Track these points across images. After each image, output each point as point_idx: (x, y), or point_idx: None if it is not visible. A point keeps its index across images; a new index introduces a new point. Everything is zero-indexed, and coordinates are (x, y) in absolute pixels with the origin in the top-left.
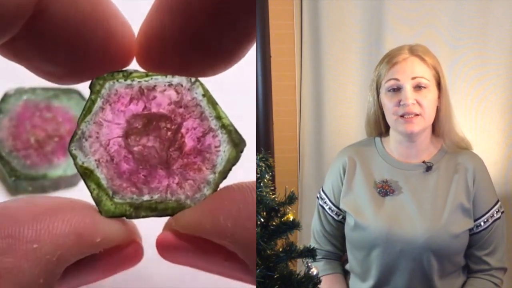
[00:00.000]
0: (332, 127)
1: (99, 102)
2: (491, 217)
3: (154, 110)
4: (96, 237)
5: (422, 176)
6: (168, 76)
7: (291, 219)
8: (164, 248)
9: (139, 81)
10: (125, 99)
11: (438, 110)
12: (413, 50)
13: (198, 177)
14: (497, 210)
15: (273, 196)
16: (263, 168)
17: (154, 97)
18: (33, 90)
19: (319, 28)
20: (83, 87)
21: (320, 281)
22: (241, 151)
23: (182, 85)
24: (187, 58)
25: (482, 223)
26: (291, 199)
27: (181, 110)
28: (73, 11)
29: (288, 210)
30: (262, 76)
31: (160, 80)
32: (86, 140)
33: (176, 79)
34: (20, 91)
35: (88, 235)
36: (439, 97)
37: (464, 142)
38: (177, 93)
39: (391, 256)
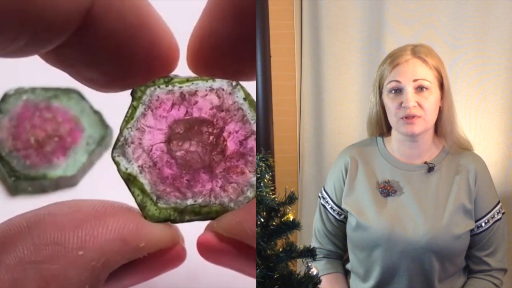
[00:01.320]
0: (332, 127)
1: (141, 109)
2: (492, 218)
3: (195, 115)
4: (141, 242)
5: (424, 176)
6: (209, 80)
7: (291, 219)
8: (205, 249)
9: (180, 87)
10: (166, 105)
11: (440, 111)
12: (416, 52)
13: (241, 180)
14: (498, 211)
15: (273, 196)
16: (263, 168)
17: (196, 102)
18: (33, 90)
19: (319, 28)
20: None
21: (320, 281)
22: None
23: (223, 89)
24: (236, 62)
25: (483, 224)
26: (291, 199)
27: (222, 114)
28: (120, 23)
29: (288, 210)
30: (262, 76)
31: (201, 85)
32: (129, 146)
33: (217, 84)
34: (20, 91)
35: (133, 240)
36: (442, 98)
37: (466, 143)
38: (219, 97)
39: (392, 256)
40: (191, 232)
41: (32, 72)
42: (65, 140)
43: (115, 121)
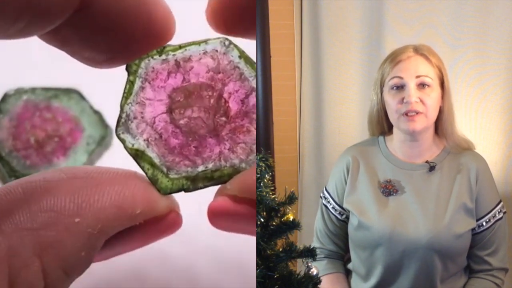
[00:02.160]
0: (332, 127)
1: (138, 82)
2: (493, 217)
3: (193, 80)
4: (136, 209)
5: (425, 176)
6: (201, 44)
7: (291, 219)
8: (218, 215)
9: (173, 55)
10: (163, 75)
11: (440, 111)
12: (418, 49)
13: (248, 139)
14: (499, 211)
15: (273, 196)
16: (263, 168)
17: (191, 68)
18: (33, 90)
19: (319, 28)
20: (84, 87)
21: (320, 281)
22: None
23: (217, 51)
24: (245, 20)
25: (484, 223)
26: (291, 199)
27: (220, 75)
28: (118, 2)
29: (288, 210)
30: (262, 76)
31: (194, 49)
32: (132, 122)
33: (210, 46)
34: (20, 91)
35: (128, 207)
36: (442, 97)
37: (466, 142)
38: (213, 59)
39: (394, 256)
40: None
41: (32, 72)
42: (65, 140)
43: (115, 121)
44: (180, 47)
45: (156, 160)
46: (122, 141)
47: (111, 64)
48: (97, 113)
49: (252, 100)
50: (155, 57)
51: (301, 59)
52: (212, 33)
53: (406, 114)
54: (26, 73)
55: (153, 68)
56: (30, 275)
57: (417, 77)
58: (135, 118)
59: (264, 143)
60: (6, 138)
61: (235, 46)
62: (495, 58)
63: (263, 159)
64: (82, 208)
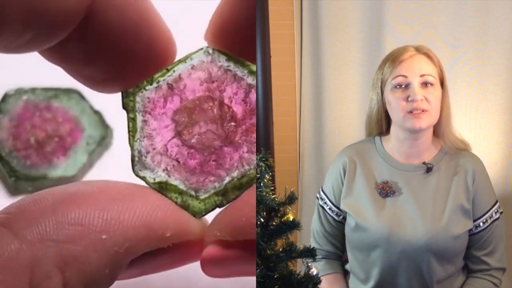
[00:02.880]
0: (332, 127)
1: (139, 117)
2: (490, 217)
3: (190, 97)
4: (167, 232)
5: (423, 177)
6: (187, 60)
7: (291, 219)
8: (212, 265)
9: (163, 79)
10: (160, 102)
11: (440, 110)
12: (419, 49)
13: None
14: (496, 211)
15: (273, 196)
16: (263, 168)
17: (185, 86)
18: (33, 90)
19: (319, 28)
20: (84, 87)
21: (320, 281)
22: None
23: (203, 61)
24: (247, 40)
25: (481, 224)
26: (291, 199)
27: (214, 84)
28: (120, 19)
29: (288, 210)
30: (262, 76)
31: (181, 67)
32: (146, 157)
33: (196, 59)
34: (20, 91)
35: (159, 229)
36: (442, 96)
37: (463, 143)
38: (203, 70)
39: (391, 257)
40: None
41: (32, 72)
42: (65, 140)
43: (115, 121)
44: (167, 70)
45: (182, 186)
46: (143, 178)
47: (110, 85)
48: (97, 113)
49: (253, 96)
50: (147, 87)
51: (301, 59)
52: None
53: (411, 112)
54: (26, 73)
55: (149, 98)
56: (51, 287)
57: (421, 76)
58: (147, 152)
59: (264, 143)
60: (6, 138)
61: (218, 50)
62: (495, 58)
63: (263, 159)
64: (111, 225)
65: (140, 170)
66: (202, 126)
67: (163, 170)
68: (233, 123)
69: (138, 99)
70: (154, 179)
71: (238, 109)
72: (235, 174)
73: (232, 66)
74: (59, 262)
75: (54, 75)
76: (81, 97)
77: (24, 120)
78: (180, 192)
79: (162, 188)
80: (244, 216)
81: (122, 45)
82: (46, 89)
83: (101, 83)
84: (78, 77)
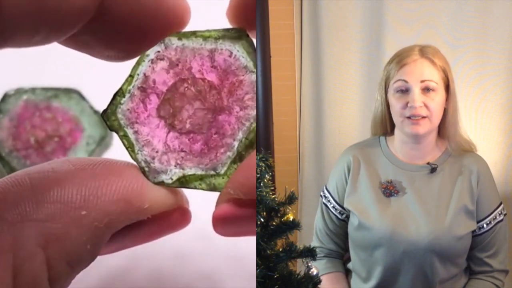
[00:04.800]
0: (332, 127)
1: (129, 131)
2: (494, 219)
3: (165, 89)
4: (144, 204)
5: (427, 177)
6: (144, 58)
7: (291, 219)
8: (225, 223)
9: (132, 86)
10: (140, 108)
11: (445, 113)
12: (424, 52)
13: (246, 88)
14: (500, 213)
15: (273, 196)
16: (263, 168)
17: (154, 81)
18: (33, 90)
19: (319, 28)
20: (84, 87)
21: (320, 281)
22: None
23: (159, 51)
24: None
25: (484, 225)
26: (291, 199)
27: (179, 66)
28: (136, 4)
29: (288, 210)
30: (262, 76)
31: (142, 67)
32: (153, 163)
33: (152, 54)
34: (20, 91)
35: (136, 201)
36: (447, 99)
37: (468, 144)
38: (162, 59)
39: (394, 257)
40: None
41: (32, 72)
42: (65, 140)
43: None
44: (131, 76)
45: (199, 172)
46: (161, 184)
47: (131, 57)
48: (97, 113)
49: (220, 58)
50: (122, 101)
51: (301, 59)
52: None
53: (410, 118)
54: (26, 73)
55: (128, 109)
56: (34, 266)
57: (422, 81)
58: (153, 158)
59: (264, 143)
60: (6, 138)
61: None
62: (495, 58)
63: (263, 159)
64: (89, 201)
65: (155, 178)
66: (188, 109)
67: (175, 166)
68: (214, 91)
69: (119, 115)
70: (172, 179)
71: (211, 77)
72: (240, 135)
73: (186, 42)
74: (41, 241)
75: (54, 75)
76: (81, 97)
77: (24, 120)
78: (201, 178)
79: (183, 182)
80: (250, 174)
81: (139, 27)
82: (46, 89)
83: (123, 58)
84: (101, 57)
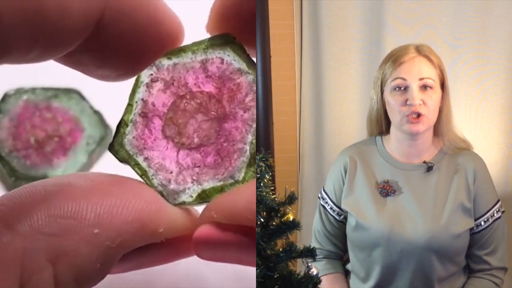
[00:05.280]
0: (332, 127)
1: (139, 159)
2: (492, 216)
3: (165, 109)
4: (159, 227)
5: (423, 176)
6: (139, 84)
7: (291, 219)
8: (204, 246)
9: (134, 114)
10: (145, 133)
11: (440, 111)
12: (420, 50)
13: (243, 88)
14: (497, 210)
15: (273, 196)
16: (263, 168)
17: (153, 104)
18: (33, 90)
19: (319, 28)
20: (84, 87)
21: (320, 281)
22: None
23: (151, 73)
24: (247, 23)
25: (482, 223)
26: (291, 199)
27: (175, 84)
28: (131, 25)
29: (288, 210)
30: (262, 76)
31: (139, 94)
32: (170, 184)
33: (144, 78)
34: (20, 91)
35: (152, 224)
36: (442, 97)
37: (464, 142)
38: (156, 81)
39: (392, 256)
40: None
41: (32, 72)
42: (65, 140)
43: (115, 121)
44: (130, 105)
45: (217, 183)
46: (183, 203)
47: (125, 77)
48: (97, 113)
49: (212, 67)
50: (126, 131)
51: (301, 59)
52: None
53: (409, 116)
54: (26, 73)
55: (134, 137)
56: (42, 280)
57: (420, 79)
58: (168, 180)
59: (264, 143)
60: (6, 138)
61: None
62: (495, 58)
63: (263, 159)
64: (103, 220)
65: (175, 199)
66: (193, 123)
67: (192, 183)
68: (214, 100)
69: (127, 146)
70: (192, 196)
71: (209, 87)
72: (249, 137)
73: (176, 60)
74: (50, 255)
75: (54, 75)
76: (81, 97)
77: (24, 120)
78: (221, 189)
79: (203, 198)
80: (243, 200)
81: (134, 47)
82: (46, 89)
83: (116, 77)
84: (94, 76)
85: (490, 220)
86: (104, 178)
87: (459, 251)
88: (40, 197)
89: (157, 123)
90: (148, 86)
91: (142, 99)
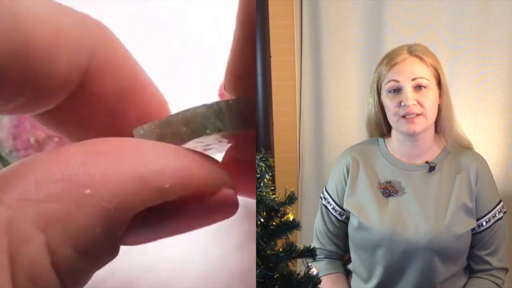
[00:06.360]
0: (332, 127)
1: None
2: (493, 217)
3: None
4: (164, 183)
5: (425, 176)
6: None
7: (291, 219)
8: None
9: None
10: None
11: (439, 109)
12: (412, 50)
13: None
14: (499, 210)
15: (273, 196)
16: (263, 168)
17: None
18: None
19: (319, 28)
20: None
21: (320, 281)
22: None
23: None
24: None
25: (484, 223)
26: (291, 199)
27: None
28: (113, 87)
29: (288, 210)
30: (262, 76)
31: None
32: None
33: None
34: None
35: (153, 180)
36: (440, 95)
37: (465, 141)
38: None
39: (394, 257)
40: None
41: None
42: (65, 140)
43: None
44: None
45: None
46: None
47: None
48: None
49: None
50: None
51: (301, 59)
52: None
53: (405, 117)
54: None
55: None
56: (32, 250)
57: (413, 79)
58: None
59: (264, 143)
60: (6, 138)
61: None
62: (495, 58)
63: (263, 159)
64: (95, 179)
65: None
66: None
67: None
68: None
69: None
70: None
71: None
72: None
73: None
74: (40, 222)
75: None
76: None
77: (24, 120)
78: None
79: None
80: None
81: (115, 112)
82: None
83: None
84: (74, 140)
85: (492, 221)
86: (97, 140)
87: (461, 252)
88: (26, 166)
89: None
90: None
91: None
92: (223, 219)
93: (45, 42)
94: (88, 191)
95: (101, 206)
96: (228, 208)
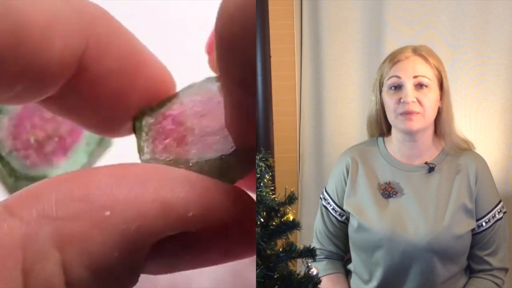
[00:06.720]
0: (332, 127)
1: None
2: (493, 217)
3: (169, 126)
4: (188, 211)
5: (425, 177)
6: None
7: (291, 219)
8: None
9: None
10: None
11: (439, 112)
12: (417, 50)
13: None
14: (499, 211)
15: (273, 196)
16: (263, 168)
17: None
18: None
19: (319, 28)
20: None
21: (320, 281)
22: None
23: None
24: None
25: (484, 223)
26: (291, 199)
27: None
28: (115, 66)
29: (288, 210)
30: (262, 76)
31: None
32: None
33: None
34: None
35: (177, 206)
36: (441, 98)
37: (466, 142)
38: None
39: (394, 258)
40: None
41: None
42: (65, 140)
43: None
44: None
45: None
46: None
47: (113, 132)
48: None
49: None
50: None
51: (301, 59)
52: None
53: (403, 114)
54: None
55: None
56: (47, 267)
57: (415, 77)
58: None
59: (264, 143)
60: (6, 138)
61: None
62: (495, 58)
63: (263, 159)
64: (117, 202)
65: None
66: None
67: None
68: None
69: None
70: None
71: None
72: None
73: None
74: (57, 241)
75: None
76: None
77: (24, 120)
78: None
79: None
80: None
81: (118, 93)
82: None
83: (105, 132)
84: (89, 126)
85: (492, 221)
86: (122, 165)
87: (461, 252)
88: (49, 183)
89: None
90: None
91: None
92: (239, 257)
93: (39, 27)
94: (108, 213)
95: (120, 229)
96: (247, 245)
